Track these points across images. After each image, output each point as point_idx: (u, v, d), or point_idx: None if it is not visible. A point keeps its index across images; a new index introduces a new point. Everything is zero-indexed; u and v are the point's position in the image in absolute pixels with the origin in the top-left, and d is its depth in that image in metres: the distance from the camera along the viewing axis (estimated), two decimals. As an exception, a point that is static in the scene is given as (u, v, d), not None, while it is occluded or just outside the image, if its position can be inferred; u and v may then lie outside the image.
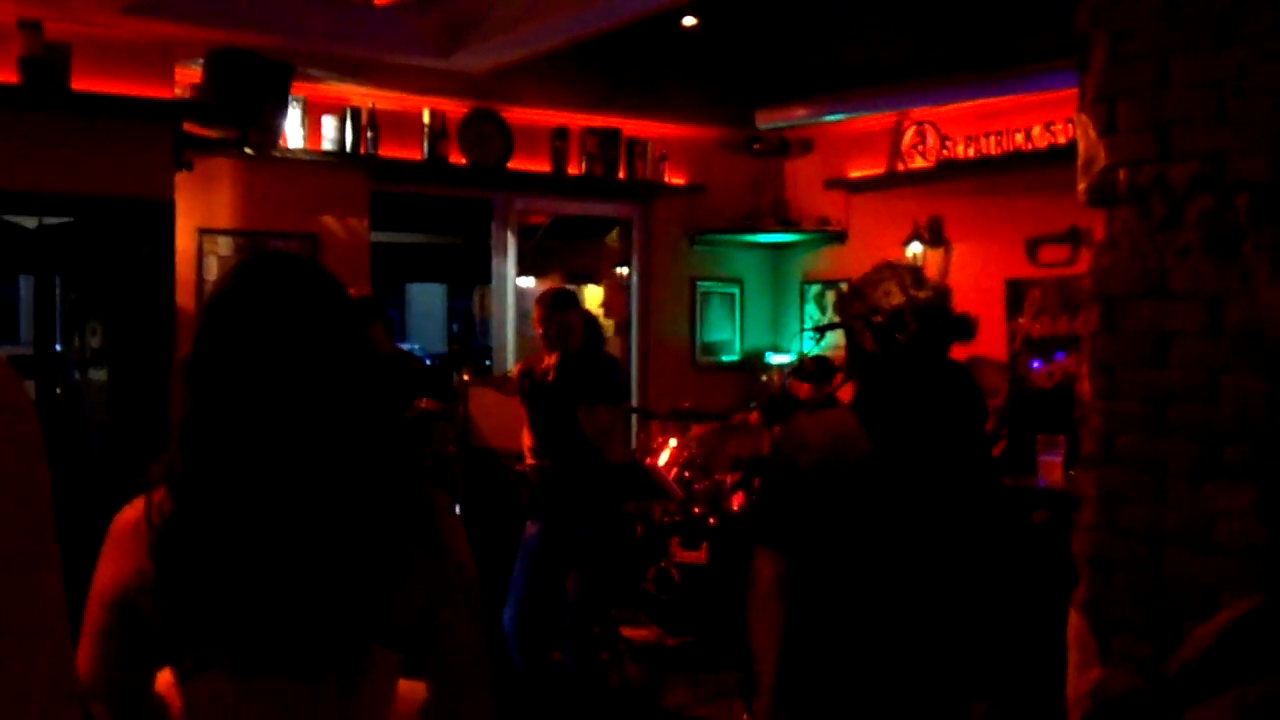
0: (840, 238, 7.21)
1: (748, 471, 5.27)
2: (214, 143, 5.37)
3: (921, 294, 2.40)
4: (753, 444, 6.06)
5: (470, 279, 11.99)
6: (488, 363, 7.37)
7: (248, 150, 5.56)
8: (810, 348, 4.70)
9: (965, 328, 2.47)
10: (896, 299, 2.39)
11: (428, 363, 11.10)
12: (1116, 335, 2.95)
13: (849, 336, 2.49)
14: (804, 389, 5.94)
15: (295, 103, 5.81)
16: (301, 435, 1.35)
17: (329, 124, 6.03)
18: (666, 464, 5.71)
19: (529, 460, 4.81)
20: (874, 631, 2.41)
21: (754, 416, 5.83)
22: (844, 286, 2.56)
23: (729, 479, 5.58)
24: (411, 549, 1.40)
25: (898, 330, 2.37)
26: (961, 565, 2.47)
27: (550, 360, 4.57)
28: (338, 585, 1.34)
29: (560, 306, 4.55)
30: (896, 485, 2.40)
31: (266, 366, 1.35)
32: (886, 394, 2.45)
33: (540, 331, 4.59)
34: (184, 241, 5.46)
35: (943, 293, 2.46)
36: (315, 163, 6.02)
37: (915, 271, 2.48)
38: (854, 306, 2.45)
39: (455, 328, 19.01)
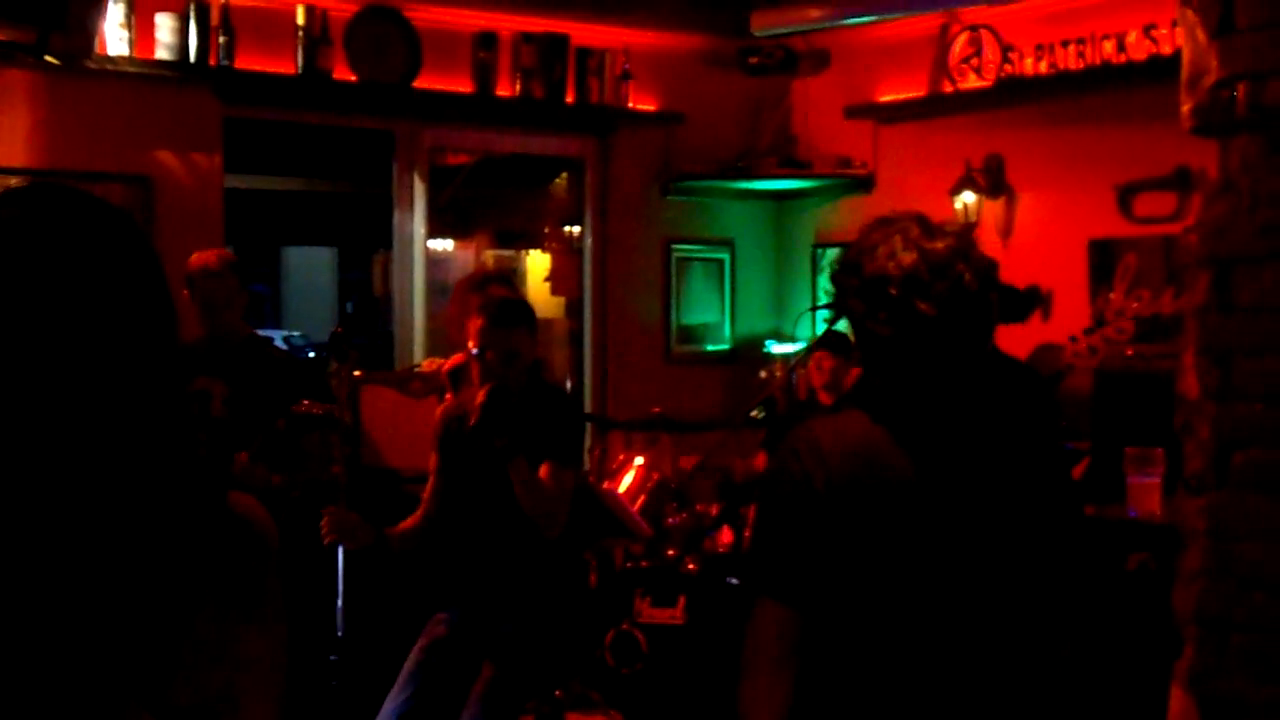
0: (866, 184, 7.19)
1: (734, 500, 5.24)
2: (3, 47, 5.28)
3: (939, 244, 2.36)
4: (744, 463, 6.03)
5: (368, 241, 11.94)
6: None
7: (50, 59, 5.47)
8: (823, 330, 4.68)
9: (1020, 301, 2.43)
10: (907, 258, 2.34)
11: (309, 355, 11.00)
12: (1233, 312, 2.93)
13: (858, 328, 2.45)
14: (826, 364, 5.89)
15: (118, -6, 5.73)
16: (44, 440, 1.30)
17: (164, 24, 5.94)
18: (630, 490, 5.67)
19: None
20: (916, 712, 2.39)
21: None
22: (834, 261, 2.51)
23: (713, 509, 5.55)
24: (210, 610, 1.38)
25: (919, 297, 2.32)
26: (1034, 624, 2.46)
27: (479, 397, 4.39)
28: (79, 655, 1.31)
29: (506, 321, 4.37)
30: (942, 510, 2.38)
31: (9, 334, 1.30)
32: (920, 389, 2.42)
33: (472, 346, 4.40)
34: (-38, 185, 5.38)
35: (965, 236, 2.42)
36: (146, 77, 5.94)
37: (920, 219, 2.43)
38: (852, 286, 2.41)
39: (349, 307, 18.98)
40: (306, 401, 4.76)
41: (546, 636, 4.39)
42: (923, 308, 2.33)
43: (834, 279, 2.48)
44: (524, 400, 4.31)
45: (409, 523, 4.46)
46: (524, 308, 4.48)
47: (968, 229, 2.49)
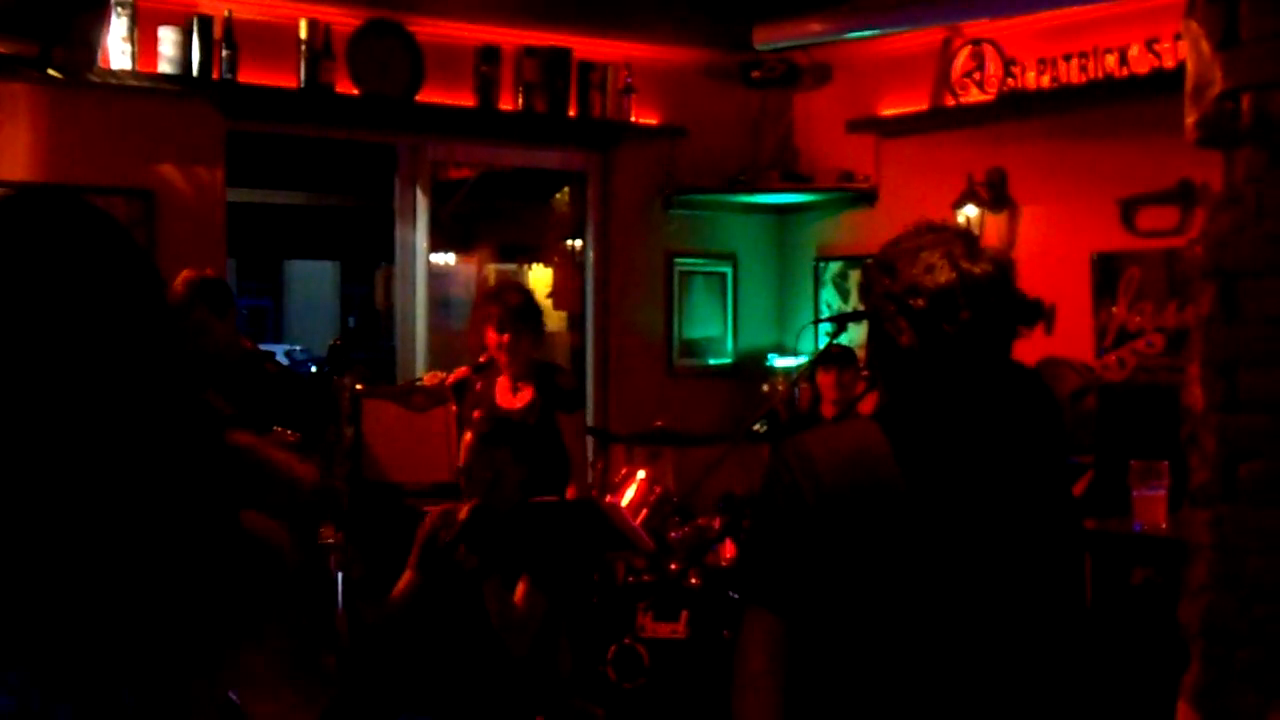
0: (868, 198, 7.19)
1: (737, 513, 5.22)
2: (5, 61, 5.30)
3: (978, 268, 2.37)
4: (748, 476, 6.01)
5: (371, 255, 11.94)
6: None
7: (53, 73, 5.48)
8: (825, 344, 4.67)
9: (1030, 311, 2.43)
10: (944, 276, 2.35)
11: (311, 368, 10.97)
12: (1239, 324, 2.91)
13: (875, 326, 2.45)
14: (828, 380, 6.06)
15: (121, 8, 5.74)
16: (58, 455, 1.29)
17: (167, 38, 5.95)
18: (632, 504, 5.65)
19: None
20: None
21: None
22: (869, 260, 2.52)
23: (716, 524, 5.53)
24: (220, 625, 1.37)
25: (945, 319, 2.34)
26: (1027, 636, 2.44)
27: (461, 512, 4.48)
28: (85, 659, 1.30)
29: (492, 440, 4.54)
30: (936, 525, 2.37)
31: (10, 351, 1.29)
32: (926, 404, 2.42)
33: (459, 461, 4.57)
34: (-36, 199, 5.38)
35: (1004, 266, 2.42)
36: (149, 91, 5.95)
37: (967, 237, 2.45)
38: (883, 285, 2.41)
39: (352, 321, 18.96)
40: (277, 428, 4.78)
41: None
42: (946, 328, 2.33)
43: (867, 273, 2.48)
44: (517, 511, 4.40)
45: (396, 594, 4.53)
46: (513, 430, 4.61)
47: (1007, 259, 2.48)
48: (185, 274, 5.13)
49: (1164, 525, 4.39)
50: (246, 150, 6.60)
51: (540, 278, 8.69)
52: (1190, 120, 3.00)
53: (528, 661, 4.37)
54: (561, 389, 5.61)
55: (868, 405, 2.68)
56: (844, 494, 2.37)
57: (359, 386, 5.80)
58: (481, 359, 5.49)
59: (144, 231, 5.87)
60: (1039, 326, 2.54)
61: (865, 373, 5.25)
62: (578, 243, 7.75)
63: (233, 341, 5.24)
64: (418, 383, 5.92)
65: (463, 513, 4.30)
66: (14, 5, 5.03)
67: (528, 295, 5.65)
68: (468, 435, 4.64)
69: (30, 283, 1.34)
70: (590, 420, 7.23)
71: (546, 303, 8.21)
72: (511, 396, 5.57)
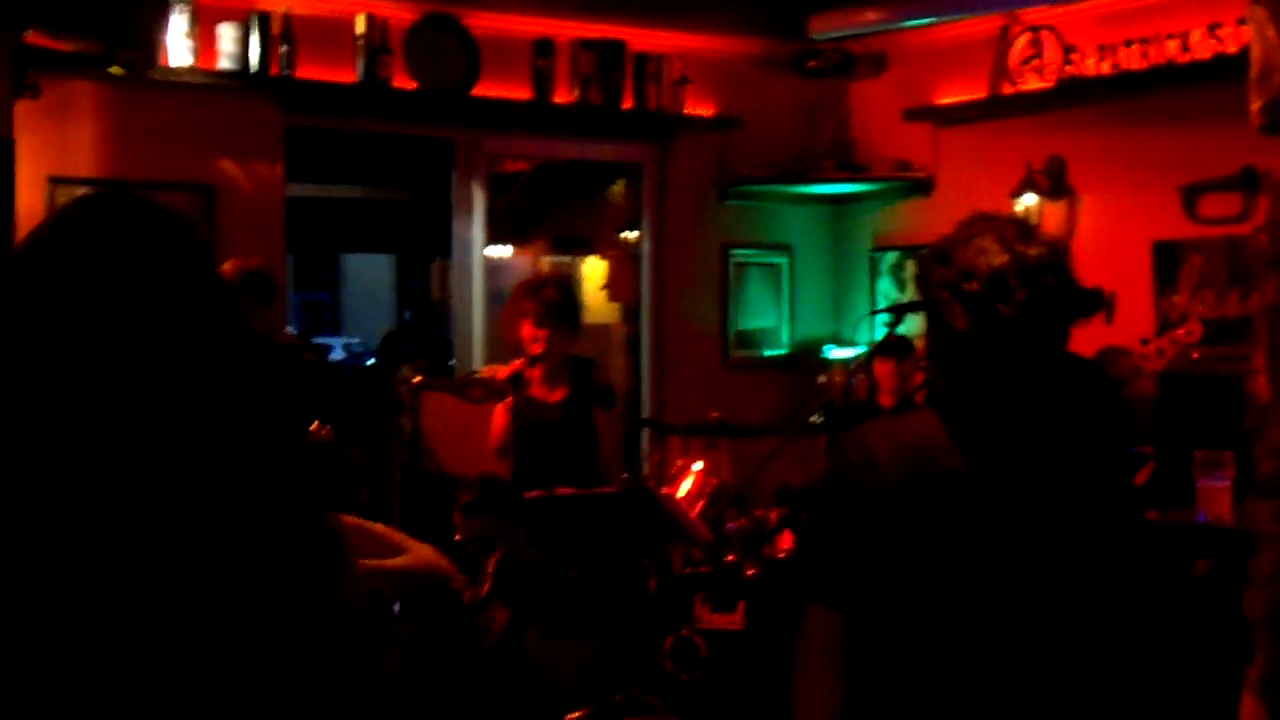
0: (924, 187, 7.16)
1: (797, 505, 5.21)
2: (69, 59, 5.36)
3: (1031, 250, 2.36)
4: (805, 467, 6.00)
5: (427, 248, 12.00)
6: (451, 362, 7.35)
7: (116, 70, 5.54)
8: (883, 335, 4.66)
9: (1089, 299, 2.41)
10: (997, 259, 2.35)
11: (369, 362, 11.02)
12: (1305, 312, 2.87)
13: (932, 315, 2.45)
14: (885, 369, 6.05)
15: (181, 6, 5.79)
16: (132, 455, 1.30)
17: (226, 34, 6.02)
18: (688, 495, 5.66)
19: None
20: (972, 716, 2.38)
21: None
22: (924, 251, 2.51)
23: (773, 515, 5.53)
24: (316, 638, 1.37)
25: (1000, 300, 2.33)
26: (1091, 629, 2.43)
27: (489, 565, 4.58)
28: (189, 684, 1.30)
29: (477, 509, 4.57)
30: (998, 517, 2.37)
31: (84, 352, 1.30)
32: (987, 389, 2.41)
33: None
34: (29, 194, 5.43)
35: (1059, 249, 2.41)
36: (209, 87, 6.01)
37: (1019, 224, 2.45)
38: (938, 274, 2.41)
39: (408, 314, 19.05)
40: (316, 424, 4.81)
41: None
42: (1003, 310, 2.32)
43: (922, 264, 2.49)
44: (540, 561, 4.52)
45: None
46: (497, 491, 4.66)
47: (1061, 243, 2.47)
48: (231, 263, 5.14)
49: (1228, 516, 4.36)
50: (305, 145, 6.65)
51: (595, 269, 8.71)
52: (1255, 106, 2.97)
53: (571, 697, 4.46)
54: (598, 385, 5.62)
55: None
56: (905, 485, 2.36)
57: (417, 379, 5.84)
58: (534, 351, 5.50)
59: (204, 226, 5.92)
60: (1099, 315, 2.52)
61: (925, 363, 5.25)
62: (633, 234, 7.76)
63: (268, 332, 5.23)
64: (475, 375, 5.96)
65: (490, 565, 4.37)
66: (78, 4, 5.09)
67: (566, 290, 5.65)
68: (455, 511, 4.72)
69: (107, 281, 1.35)
70: (646, 412, 7.26)
71: (601, 294, 8.25)
72: (546, 392, 5.58)
